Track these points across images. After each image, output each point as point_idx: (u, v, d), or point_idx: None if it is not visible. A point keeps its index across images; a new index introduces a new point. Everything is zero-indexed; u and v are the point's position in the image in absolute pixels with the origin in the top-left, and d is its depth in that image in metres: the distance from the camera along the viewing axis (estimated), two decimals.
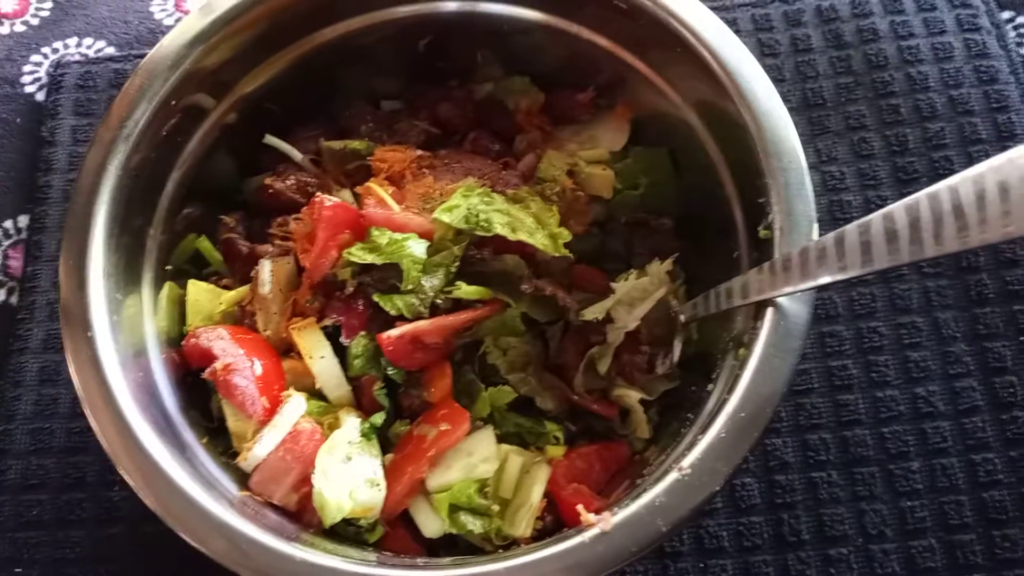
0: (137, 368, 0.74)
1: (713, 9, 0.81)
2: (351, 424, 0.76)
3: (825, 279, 0.63)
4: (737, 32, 0.80)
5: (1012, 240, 0.52)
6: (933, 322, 0.93)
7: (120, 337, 0.73)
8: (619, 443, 0.83)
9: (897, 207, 0.57)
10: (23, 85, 1.12)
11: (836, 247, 0.61)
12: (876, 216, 0.59)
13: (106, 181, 0.75)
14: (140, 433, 0.69)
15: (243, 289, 0.84)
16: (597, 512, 0.68)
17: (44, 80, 1.11)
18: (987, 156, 0.97)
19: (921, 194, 0.56)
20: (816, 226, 0.71)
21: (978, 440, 0.88)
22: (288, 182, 0.87)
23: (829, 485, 0.87)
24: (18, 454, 0.92)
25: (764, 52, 1.05)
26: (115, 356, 0.72)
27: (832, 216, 0.98)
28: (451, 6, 0.89)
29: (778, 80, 0.98)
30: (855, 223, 0.60)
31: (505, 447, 0.80)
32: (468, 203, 0.79)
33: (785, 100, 0.76)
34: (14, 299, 1.00)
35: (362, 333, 0.79)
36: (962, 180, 0.54)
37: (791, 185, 0.72)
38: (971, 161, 0.98)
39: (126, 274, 0.78)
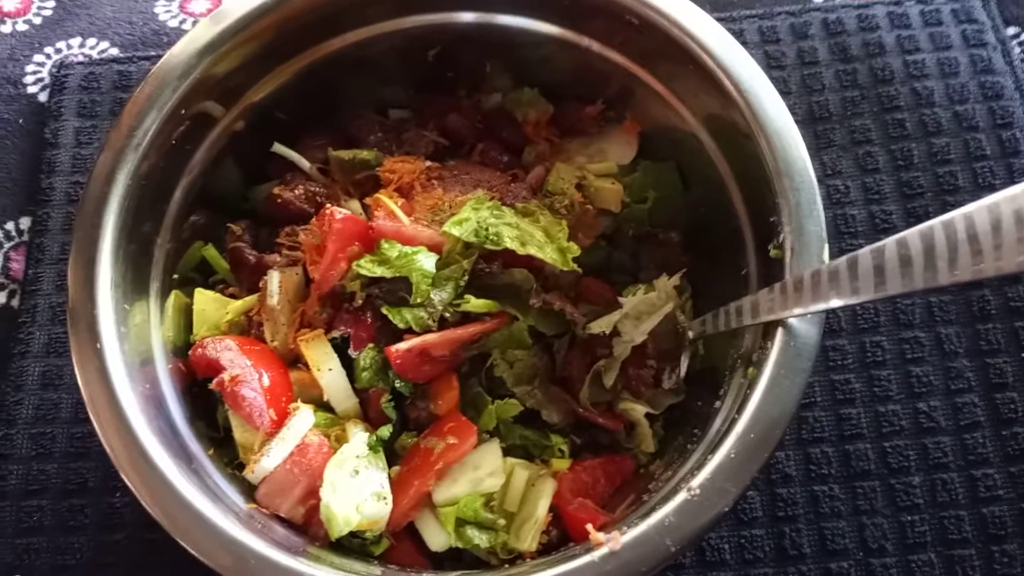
0: (144, 379, 0.74)
1: (720, 20, 0.81)
2: (359, 438, 0.76)
3: (837, 302, 0.62)
4: (744, 44, 0.80)
5: None
6: (936, 337, 0.93)
7: (127, 348, 0.73)
8: (624, 456, 0.83)
9: (911, 233, 0.57)
10: (26, 85, 1.10)
11: (849, 271, 0.61)
12: (890, 241, 0.58)
13: (115, 190, 0.75)
14: (148, 445, 0.69)
15: (250, 299, 0.84)
16: (602, 527, 0.68)
17: (47, 81, 1.10)
18: (992, 172, 0.98)
19: (936, 221, 0.56)
20: (827, 247, 0.71)
21: (979, 456, 0.89)
22: (297, 191, 0.87)
23: (831, 499, 0.88)
24: (19, 459, 0.91)
25: (771, 64, 1.05)
26: (123, 368, 0.71)
27: (837, 230, 0.98)
28: (465, 18, 0.89)
29: (784, 92, 0.97)
30: (868, 248, 0.60)
31: (511, 460, 0.80)
32: (478, 216, 0.79)
33: (791, 113, 0.76)
34: (15, 302, 0.99)
35: (370, 345, 0.79)
36: (977, 209, 0.53)
37: (802, 205, 0.72)
38: (976, 177, 0.99)
39: (134, 283, 0.77)
